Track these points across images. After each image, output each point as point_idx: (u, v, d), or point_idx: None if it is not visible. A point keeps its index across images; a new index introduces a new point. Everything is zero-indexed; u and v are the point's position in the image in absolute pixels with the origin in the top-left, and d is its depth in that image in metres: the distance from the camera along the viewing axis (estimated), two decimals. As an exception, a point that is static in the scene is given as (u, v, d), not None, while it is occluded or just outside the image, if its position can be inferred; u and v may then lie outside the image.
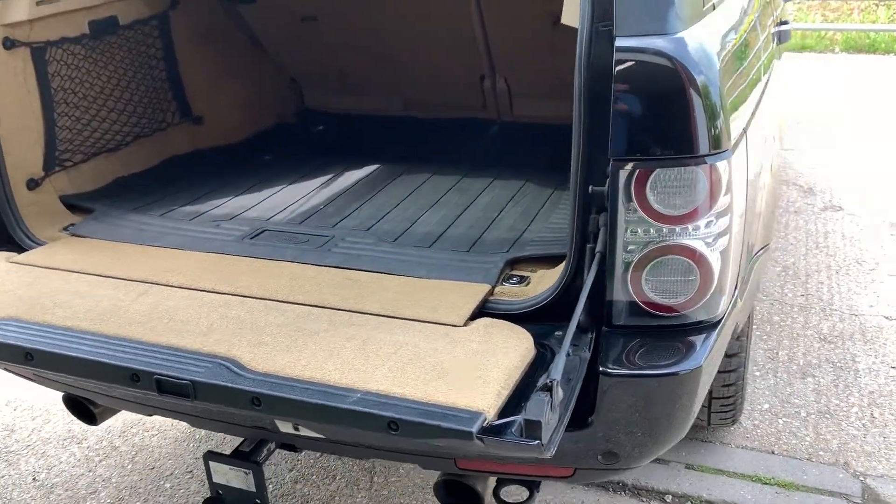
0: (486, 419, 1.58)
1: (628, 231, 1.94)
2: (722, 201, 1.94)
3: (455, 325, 1.97)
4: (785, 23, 3.25)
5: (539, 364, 1.86)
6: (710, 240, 1.95)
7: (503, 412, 1.64)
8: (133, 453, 3.44)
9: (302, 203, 2.91)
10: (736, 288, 2.17)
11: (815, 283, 4.41)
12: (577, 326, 2.01)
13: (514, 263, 2.33)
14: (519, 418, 1.58)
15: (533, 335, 1.98)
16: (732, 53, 2.07)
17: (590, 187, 1.93)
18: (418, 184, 3.07)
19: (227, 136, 3.54)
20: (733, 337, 2.49)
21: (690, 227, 1.92)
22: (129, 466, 3.37)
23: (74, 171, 2.93)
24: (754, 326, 3.98)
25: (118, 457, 3.43)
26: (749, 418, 3.40)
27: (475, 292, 2.13)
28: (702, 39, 1.90)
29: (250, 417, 2.11)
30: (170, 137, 3.34)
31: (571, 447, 1.98)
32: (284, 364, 1.77)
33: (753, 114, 2.20)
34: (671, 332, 2.01)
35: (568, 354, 1.91)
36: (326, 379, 1.70)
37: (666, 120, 1.85)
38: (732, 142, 1.94)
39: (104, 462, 3.40)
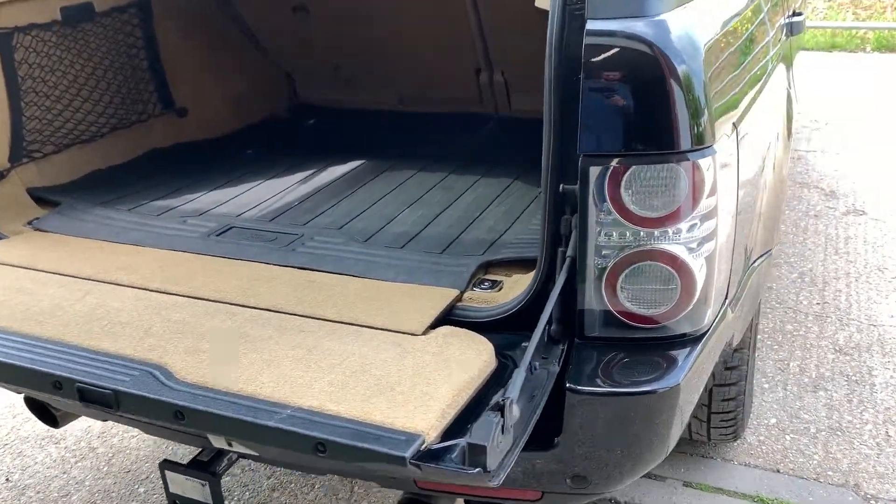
0: (424, 442, 1.43)
1: (602, 234, 1.77)
2: (706, 203, 1.76)
3: (413, 334, 1.82)
4: (799, 14, 3.05)
5: (499, 378, 1.70)
6: (692, 245, 1.77)
7: (448, 434, 1.48)
8: (110, 455, 3.33)
9: (277, 199, 2.77)
10: (727, 298, 1.99)
11: (832, 290, 4.19)
12: (548, 337, 1.86)
13: (488, 267, 2.17)
14: (462, 441, 1.43)
15: (498, 346, 1.83)
16: (723, 41, 1.89)
17: (561, 186, 1.77)
18: (402, 180, 2.92)
19: (213, 129, 3.41)
20: (728, 349, 2.31)
21: (671, 230, 1.75)
22: (105, 469, 3.25)
23: (45, 162, 2.81)
24: (765, 336, 3.79)
25: (95, 458, 3.31)
26: (754, 433, 3.21)
27: (441, 298, 1.97)
28: (686, 23, 1.73)
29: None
30: (152, 129, 3.22)
31: (538, 469, 1.82)
32: (217, 375, 1.63)
33: (749, 108, 2.01)
34: (650, 345, 1.84)
35: (534, 368, 1.76)
36: (258, 393, 1.56)
37: (642, 112, 1.68)
38: (719, 138, 1.77)
39: (80, 464, 3.29)
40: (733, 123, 1.86)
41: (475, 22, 3.22)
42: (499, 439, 1.46)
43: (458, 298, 2.00)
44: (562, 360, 1.80)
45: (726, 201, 1.85)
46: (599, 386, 1.72)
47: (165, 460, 2.29)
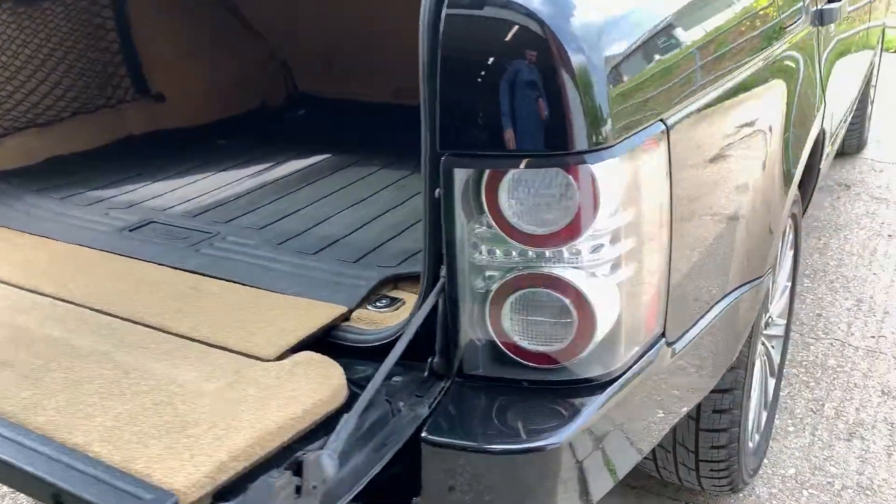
0: (175, 505, 1.14)
1: (482, 252, 1.44)
2: (617, 218, 1.41)
3: (261, 359, 1.54)
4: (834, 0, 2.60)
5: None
6: (597, 270, 1.42)
7: (223, 495, 1.20)
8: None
9: (217, 193, 2.55)
10: (663, 336, 1.62)
11: (892, 323, 3.65)
12: (430, 372, 1.55)
13: (398, 282, 1.87)
14: (226, 508, 1.14)
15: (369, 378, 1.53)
16: (646, 16, 1.51)
17: (437, 191, 1.45)
18: (361, 177, 2.65)
19: (193, 118, 3.23)
20: (689, 394, 1.93)
21: (566, 251, 1.41)
22: None
23: None
24: (801, 371, 3.32)
25: None
26: (766, 484, 2.78)
27: (319, 316, 1.69)
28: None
29: None
30: (124, 116, 3.05)
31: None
32: (4, 395, 1.40)
33: (703, 103, 1.63)
34: (548, 390, 1.50)
35: (397, 410, 1.46)
36: (27, 422, 1.32)
37: (522, 103, 1.33)
38: (636, 138, 1.41)
39: None
40: (662, 121, 1.49)
41: None
42: (286, 505, 1.17)
43: (345, 318, 1.72)
44: (436, 402, 1.49)
45: (653, 216, 1.49)
46: (459, 438, 1.39)
47: None
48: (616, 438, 1.56)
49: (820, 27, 2.50)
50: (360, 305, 1.76)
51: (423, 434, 1.41)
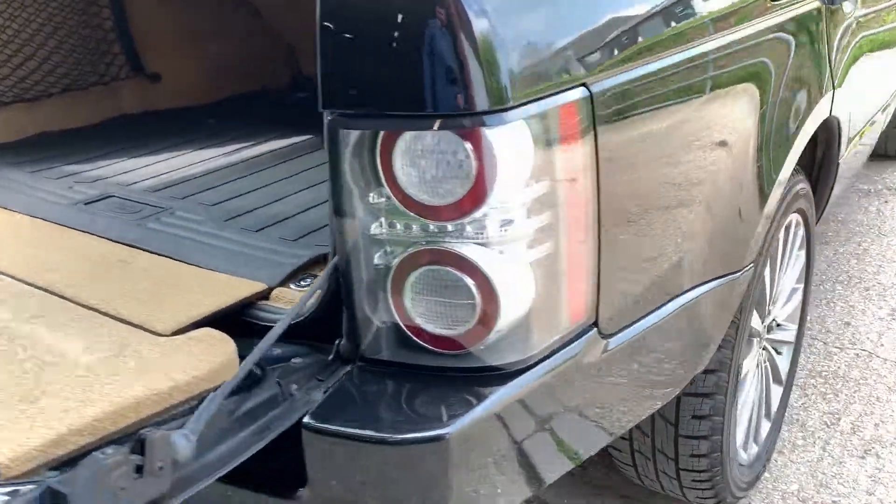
0: (-9, 477, 1.06)
1: (382, 224, 1.32)
2: (527, 190, 1.28)
3: (157, 333, 1.46)
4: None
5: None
6: (505, 247, 1.29)
7: (60, 470, 1.11)
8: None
9: (186, 169, 2.49)
10: (596, 325, 1.48)
11: (929, 333, 3.39)
12: (338, 356, 1.44)
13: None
14: (44, 484, 1.05)
15: (278, 358, 1.43)
16: None
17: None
18: None
19: (190, 98, 3.19)
20: (642, 391, 1.77)
21: (469, 226, 1.28)
22: None
23: None
24: (820, 381, 3.10)
25: None
26: (765, 500, 2.58)
27: (233, 294, 1.60)
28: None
29: None
30: (118, 94, 3.03)
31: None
32: None
33: (652, 72, 1.48)
34: (456, 377, 1.37)
35: (289, 395, 1.35)
36: None
37: (407, 55, 1.20)
38: (550, 101, 1.27)
39: None
40: (586, 86, 1.33)
41: None
42: (118, 484, 1.07)
43: (264, 296, 1.62)
44: (334, 387, 1.38)
45: (577, 192, 1.35)
46: (338, 425, 1.28)
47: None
48: (540, 432, 1.42)
49: (830, 5, 2.30)
50: (283, 284, 1.66)
51: (305, 420, 1.30)
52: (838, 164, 2.72)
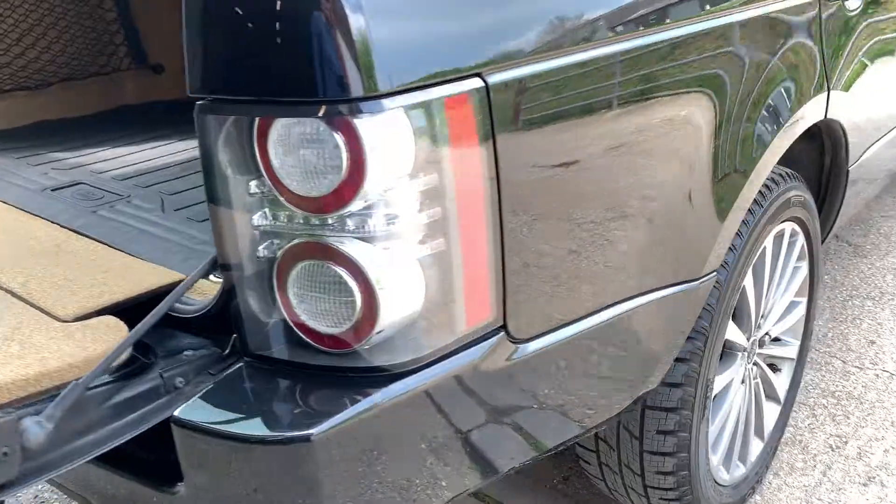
0: None
1: (265, 214, 1.27)
2: (411, 183, 1.21)
3: (57, 318, 1.44)
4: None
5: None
6: (389, 243, 1.22)
7: None
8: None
9: (164, 158, 2.49)
10: (503, 329, 1.39)
11: (958, 356, 3.17)
12: (233, 351, 1.40)
13: None
14: None
15: (178, 349, 1.40)
16: None
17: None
18: None
19: (194, 90, 3.19)
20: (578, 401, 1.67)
21: (348, 219, 1.22)
22: None
23: None
24: (832, 402, 2.92)
25: None
26: (752, 525, 2.44)
27: (147, 282, 1.57)
28: None
29: None
30: (119, 84, 3.06)
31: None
32: None
33: (569, 64, 1.38)
34: (341, 377, 1.31)
35: (172, 388, 1.32)
36: None
37: (269, 35, 1.14)
38: (436, 90, 1.20)
39: None
40: (480, 76, 1.25)
41: None
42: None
43: (187, 287, 1.59)
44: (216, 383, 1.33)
45: (472, 186, 1.27)
46: (207, 422, 1.23)
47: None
48: (440, 439, 1.35)
49: (829, 1, 2.15)
50: (206, 275, 1.63)
51: (175, 414, 1.26)
52: (848, 171, 2.56)
